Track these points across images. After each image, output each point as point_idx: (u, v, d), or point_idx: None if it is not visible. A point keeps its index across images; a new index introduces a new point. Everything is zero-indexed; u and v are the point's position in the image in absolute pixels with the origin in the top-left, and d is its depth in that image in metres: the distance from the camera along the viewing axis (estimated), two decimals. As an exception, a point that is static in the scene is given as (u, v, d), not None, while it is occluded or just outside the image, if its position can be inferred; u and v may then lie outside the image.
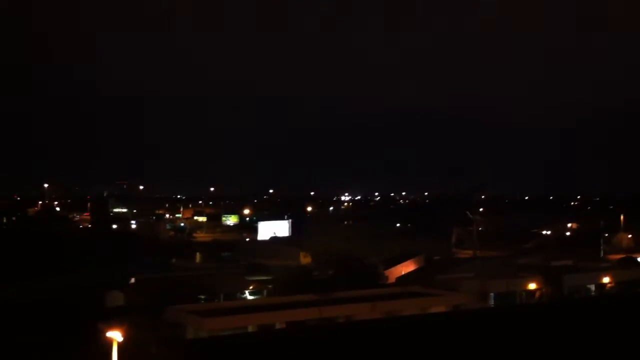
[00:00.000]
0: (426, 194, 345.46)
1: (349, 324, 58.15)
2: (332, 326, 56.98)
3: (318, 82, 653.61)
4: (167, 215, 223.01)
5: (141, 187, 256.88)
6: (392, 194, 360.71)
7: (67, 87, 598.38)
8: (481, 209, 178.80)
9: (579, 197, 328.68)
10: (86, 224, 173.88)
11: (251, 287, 79.65)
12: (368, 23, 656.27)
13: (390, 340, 48.11)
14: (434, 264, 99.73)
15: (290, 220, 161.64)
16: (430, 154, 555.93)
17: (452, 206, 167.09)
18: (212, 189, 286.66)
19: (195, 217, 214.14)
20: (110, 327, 35.26)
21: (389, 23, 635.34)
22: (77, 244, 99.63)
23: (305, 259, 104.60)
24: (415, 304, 65.81)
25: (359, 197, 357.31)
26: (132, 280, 76.17)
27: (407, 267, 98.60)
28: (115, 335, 34.82)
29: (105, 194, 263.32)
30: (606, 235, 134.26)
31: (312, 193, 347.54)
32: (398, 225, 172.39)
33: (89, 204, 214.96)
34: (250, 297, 76.95)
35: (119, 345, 34.85)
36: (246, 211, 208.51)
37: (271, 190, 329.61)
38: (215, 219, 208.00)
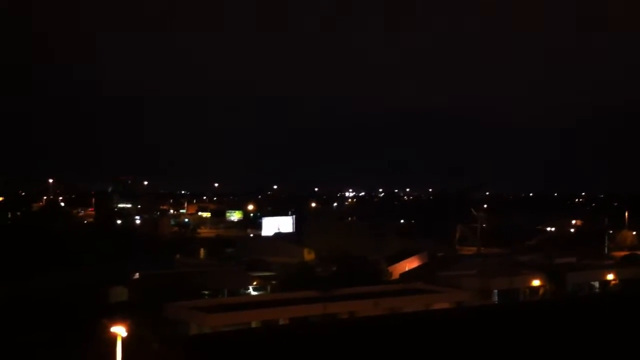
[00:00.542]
0: (430, 190, 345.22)
1: (352, 320, 58.31)
2: (335, 322, 57.11)
3: (318, 82, 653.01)
4: (171, 211, 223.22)
5: (145, 183, 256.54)
6: (396, 190, 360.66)
7: (67, 87, 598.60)
8: (485, 206, 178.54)
9: (583, 194, 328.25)
10: (91, 219, 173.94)
11: (254, 284, 79.91)
12: (368, 23, 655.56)
13: (393, 336, 48.20)
14: (437, 260, 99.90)
15: (294, 217, 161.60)
16: (430, 154, 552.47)
17: (454, 204, 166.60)
18: (216, 184, 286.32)
19: (200, 213, 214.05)
20: (115, 322, 35.35)
21: (389, 23, 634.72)
22: (80, 240, 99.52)
23: (309, 256, 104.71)
24: (418, 300, 65.99)
25: (362, 194, 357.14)
26: (136, 276, 76.53)
27: (411, 263, 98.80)
28: (120, 331, 34.98)
29: (109, 189, 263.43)
30: (610, 232, 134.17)
31: (316, 189, 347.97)
32: (402, 221, 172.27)
33: (93, 200, 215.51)
34: (254, 293, 77.23)
35: (123, 340, 35.00)
36: (250, 207, 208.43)
37: (275, 187, 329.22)
38: (219, 215, 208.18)
